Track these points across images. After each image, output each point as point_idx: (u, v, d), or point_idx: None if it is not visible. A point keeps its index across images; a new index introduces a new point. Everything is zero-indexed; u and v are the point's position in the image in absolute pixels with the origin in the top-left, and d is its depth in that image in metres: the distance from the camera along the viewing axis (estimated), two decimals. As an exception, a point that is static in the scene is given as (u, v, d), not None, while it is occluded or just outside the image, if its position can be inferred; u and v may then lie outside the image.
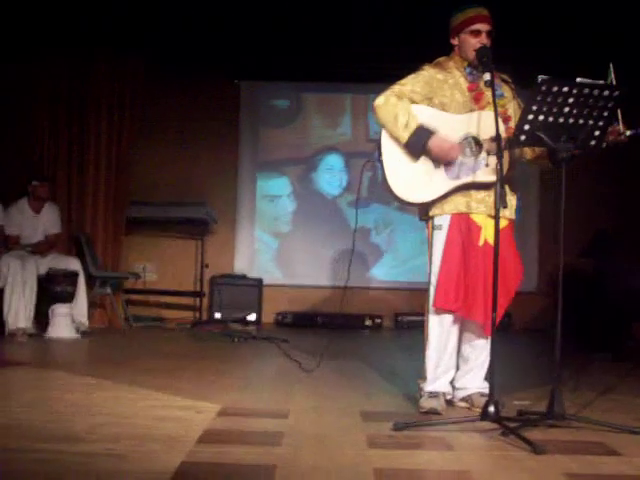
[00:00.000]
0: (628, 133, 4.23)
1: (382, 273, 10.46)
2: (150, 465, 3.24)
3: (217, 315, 9.84)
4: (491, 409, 3.91)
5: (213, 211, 9.97)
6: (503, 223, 4.45)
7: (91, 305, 8.66)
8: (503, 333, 9.01)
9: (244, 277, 10.13)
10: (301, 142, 10.58)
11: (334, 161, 10.53)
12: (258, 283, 10.02)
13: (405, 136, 4.42)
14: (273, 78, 10.49)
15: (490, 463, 3.49)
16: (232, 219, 10.50)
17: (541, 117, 4.01)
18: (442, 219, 4.52)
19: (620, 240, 9.60)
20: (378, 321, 9.92)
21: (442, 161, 4.43)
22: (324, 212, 10.46)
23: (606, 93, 4.01)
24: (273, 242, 10.60)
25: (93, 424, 3.93)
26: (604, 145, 4.22)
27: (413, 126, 4.41)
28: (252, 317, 9.82)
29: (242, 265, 10.44)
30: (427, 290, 4.60)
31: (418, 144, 4.41)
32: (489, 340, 4.56)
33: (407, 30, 8.55)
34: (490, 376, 4.05)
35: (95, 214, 9.54)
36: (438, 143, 4.39)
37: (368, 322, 9.92)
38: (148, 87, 9.81)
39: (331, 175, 10.53)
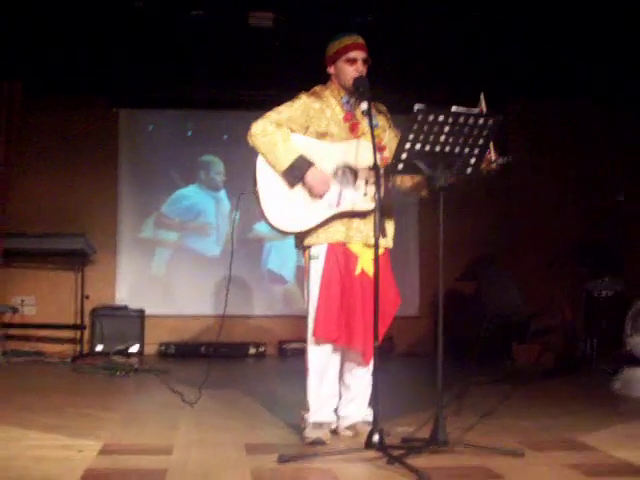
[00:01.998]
0: (500, 161, 4.33)
1: (266, 300, 10.41)
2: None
3: (99, 348, 9.62)
4: (375, 438, 3.92)
5: (92, 241, 9.77)
6: (380, 251, 4.48)
7: (-34, 341, 8.38)
8: (385, 358, 9.16)
9: (125, 308, 9.95)
10: (183, 168, 10.48)
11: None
12: (140, 314, 9.85)
13: (284, 165, 4.41)
14: (153, 106, 10.37)
15: (375, 493, 3.50)
16: (113, 249, 10.30)
17: (418, 146, 4.06)
18: (319, 248, 4.53)
19: (501, 262, 9.81)
20: (262, 349, 9.86)
21: (313, 194, 4.44)
22: (208, 239, 10.37)
23: (481, 122, 4.08)
24: (156, 271, 10.46)
25: (-36, 469, 3.77)
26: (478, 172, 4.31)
27: (294, 155, 4.41)
28: (135, 349, 9.65)
29: (124, 296, 10.24)
30: (306, 319, 4.60)
31: (296, 174, 4.41)
32: (369, 368, 4.60)
33: (287, 58, 8.56)
34: (374, 404, 4.06)
35: (-32, 247, 9.23)
36: (314, 176, 4.40)
37: (252, 350, 9.84)
38: (25, 115, 9.59)
39: (216, 201, 10.46)
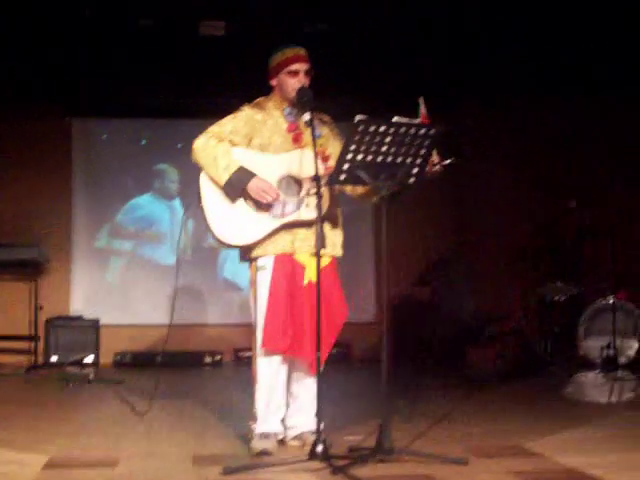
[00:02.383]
0: (445, 162, 4.36)
1: (222, 308, 10.39)
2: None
3: (53, 358, 9.56)
4: (319, 448, 3.92)
5: (45, 251, 9.70)
6: (326, 261, 4.52)
7: None
8: (342, 364, 9.20)
9: (80, 318, 9.89)
10: (137, 177, 10.46)
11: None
12: (94, 323, 9.80)
13: (224, 178, 4.40)
14: (106, 115, 10.33)
15: (317, 504, 3.50)
16: (67, 258, 10.25)
17: (360, 156, 4.07)
18: (265, 260, 4.52)
19: (455, 267, 9.86)
20: (218, 358, 9.83)
21: (260, 203, 4.44)
22: (162, 248, 10.34)
23: (422, 132, 4.10)
24: (110, 281, 10.41)
25: None
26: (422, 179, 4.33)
27: (233, 168, 4.40)
28: (90, 359, 9.59)
29: (78, 305, 10.19)
30: (254, 330, 4.60)
31: (238, 186, 4.41)
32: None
33: (239, 66, 8.57)
34: (318, 414, 4.05)
35: None
36: (257, 185, 4.40)
37: (208, 359, 9.81)
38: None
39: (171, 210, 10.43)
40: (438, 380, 7.97)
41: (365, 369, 9.43)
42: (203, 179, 4.51)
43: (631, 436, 4.89)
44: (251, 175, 4.40)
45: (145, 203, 10.44)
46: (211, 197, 4.48)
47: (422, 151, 4.18)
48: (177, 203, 10.39)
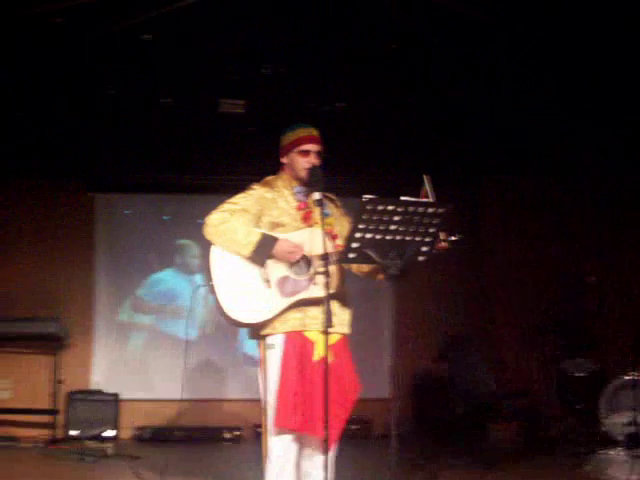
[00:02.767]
0: (452, 238, 4.39)
1: (242, 384, 10.36)
2: None
3: (73, 432, 9.56)
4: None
5: (67, 325, 9.78)
6: (336, 338, 4.54)
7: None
8: (362, 441, 9.12)
9: (100, 392, 9.91)
10: (159, 252, 10.56)
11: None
12: (114, 398, 9.82)
13: (250, 247, 4.43)
14: (128, 190, 10.49)
15: None
16: (89, 332, 10.31)
17: (368, 235, 4.09)
18: (275, 338, 4.53)
19: (474, 342, 9.82)
20: (237, 433, 9.78)
21: (288, 261, 4.48)
22: (183, 323, 10.36)
23: (430, 210, 4.13)
24: (131, 355, 10.45)
25: None
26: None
27: (257, 236, 4.46)
28: (109, 433, 9.59)
29: (99, 379, 10.21)
30: (264, 409, 4.59)
31: (264, 252, 4.44)
32: (332, 455, 4.61)
33: (258, 143, 8.68)
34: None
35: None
36: (282, 247, 4.44)
37: (227, 434, 9.76)
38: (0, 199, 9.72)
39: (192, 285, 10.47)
40: (458, 456, 7.89)
41: (385, 445, 9.31)
42: (213, 256, 4.54)
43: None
44: (274, 239, 4.46)
45: (167, 278, 10.51)
46: (221, 274, 4.50)
47: (430, 229, 4.19)
48: (198, 278, 10.40)
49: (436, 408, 9.53)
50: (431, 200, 4.26)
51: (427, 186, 4.34)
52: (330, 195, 4.82)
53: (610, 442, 8.37)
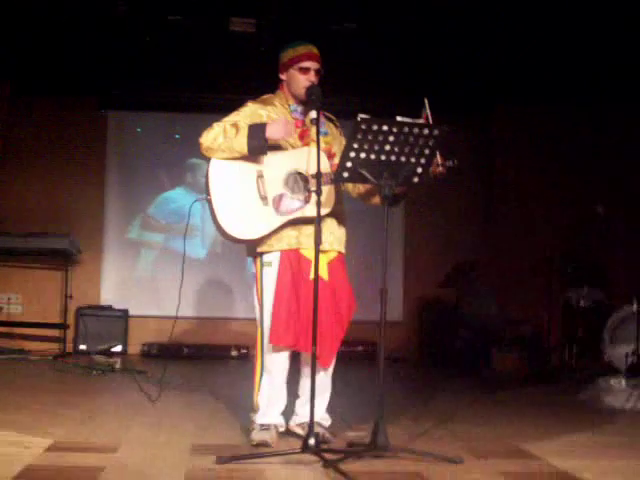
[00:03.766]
0: (448, 164, 4.38)
1: (249, 303, 10.41)
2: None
3: (82, 347, 9.72)
4: (311, 441, 3.97)
5: (77, 242, 9.86)
6: (332, 255, 4.58)
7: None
8: (368, 363, 9.21)
9: (109, 308, 10.04)
10: (170, 171, 10.59)
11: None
12: (124, 314, 9.95)
13: (243, 140, 4.38)
14: (141, 109, 10.48)
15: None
16: (99, 249, 10.43)
17: (363, 155, 4.10)
18: (271, 256, 4.57)
19: (481, 269, 9.85)
20: (244, 351, 9.91)
21: (285, 137, 4.49)
22: (193, 241, 10.42)
23: (426, 132, 4.12)
24: (141, 272, 10.56)
25: None
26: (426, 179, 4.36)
27: (245, 130, 4.40)
28: (117, 348, 9.74)
29: (108, 296, 10.35)
30: (259, 325, 4.66)
31: (259, 140, 4.38)
32: (328, 371, 4.69)
33: (269, 61, 8.63)
34: (310, 409, 4.08)
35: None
36: (274, 128, 4.40)
37: (234, 352, 9.91)
38: (13, 115, 9.72)
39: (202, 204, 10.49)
40: (456, 382, 7.97)
41: (390, 367, 9.40)
42: (212, 171, 4.53)
43: (629, 443, 4.90)
44: (262, 125, 4.43)
45: (177, 197, 10.56)
46: (219, 189, 4.51)
47: (426, 151, 4.20)
48: (209, 197, 10.46)
49: (441, 334, 9.60)
50: (425, 122, 4.25)
51: (427, 109, 4.32)
52: (329, 115, 4.82)
53: (612, 372, 8.41)
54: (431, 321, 10.11)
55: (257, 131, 4.39)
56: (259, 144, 4.39)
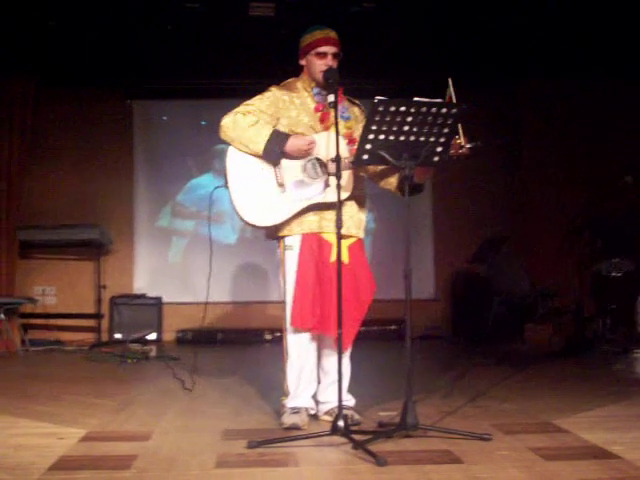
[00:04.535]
0: (468, 146, 4.37)
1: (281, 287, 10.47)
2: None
3: (117, 336, 9.82)
4: (340, 423, 4.00)
5: (108, 232, 9.96)
6: (352, 240, 4.60)
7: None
8: (398, 341, 9.22)
9: (143, 296, 10.13)
10: (197, 157, 10.64)
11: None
12: (157, 302, 10.04)
13: (261, 144, 4.49)
14: (166, 97, 10.53)
15: (330, 477, 3.58)
16: (130, 238, 10.53)
17: (382, 136, 4.11)
18: (293, 239, 4.61)
19: (512, 243, 9.82)
20: (278, 334, 9.92)
21: (302, 156, 4.53)
22: (223, 227, 10.48)
23: (444, 111, 4.12)
24: (172, 260, 10.64)
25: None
26: (448, 159, 4.36)
27: (267, 132, 4.50)
28: (152, 336, 9.82)
29: (141, 284, 10.44)
30: (283, 308, 4.69)
31: (276, 149, 4.49)
32: (348, 353, 4.71)
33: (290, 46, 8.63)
34: (338, 391, 4.11)
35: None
36: (294, 144, 4.49)
37: (268, 336, 9.97)
38: (40, 107, 9.80)
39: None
40: (489, 357, 7.96)
41: (422, 346, 9.42)
42: (230, 159, 4.60)
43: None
44: (286, 135, 4.51)
45: (206, 183, 10.61)
46: (238, 178, 4.57)
47: (445, 130, 4.19)
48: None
49: (474, 310, 9.59)
50: (443, 101, 4.24)
51: (451, 89, 4.31)
52: (354, 100, 4.84)
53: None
54: (464, 297, 10.11)
55: (278, 142, 4.49)
56: (274, 152, 4.50)
